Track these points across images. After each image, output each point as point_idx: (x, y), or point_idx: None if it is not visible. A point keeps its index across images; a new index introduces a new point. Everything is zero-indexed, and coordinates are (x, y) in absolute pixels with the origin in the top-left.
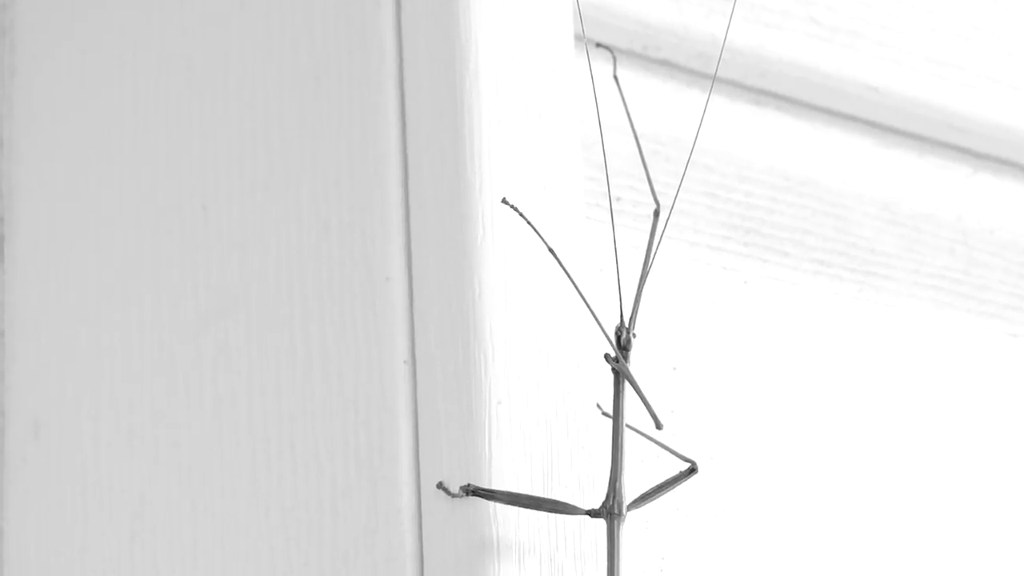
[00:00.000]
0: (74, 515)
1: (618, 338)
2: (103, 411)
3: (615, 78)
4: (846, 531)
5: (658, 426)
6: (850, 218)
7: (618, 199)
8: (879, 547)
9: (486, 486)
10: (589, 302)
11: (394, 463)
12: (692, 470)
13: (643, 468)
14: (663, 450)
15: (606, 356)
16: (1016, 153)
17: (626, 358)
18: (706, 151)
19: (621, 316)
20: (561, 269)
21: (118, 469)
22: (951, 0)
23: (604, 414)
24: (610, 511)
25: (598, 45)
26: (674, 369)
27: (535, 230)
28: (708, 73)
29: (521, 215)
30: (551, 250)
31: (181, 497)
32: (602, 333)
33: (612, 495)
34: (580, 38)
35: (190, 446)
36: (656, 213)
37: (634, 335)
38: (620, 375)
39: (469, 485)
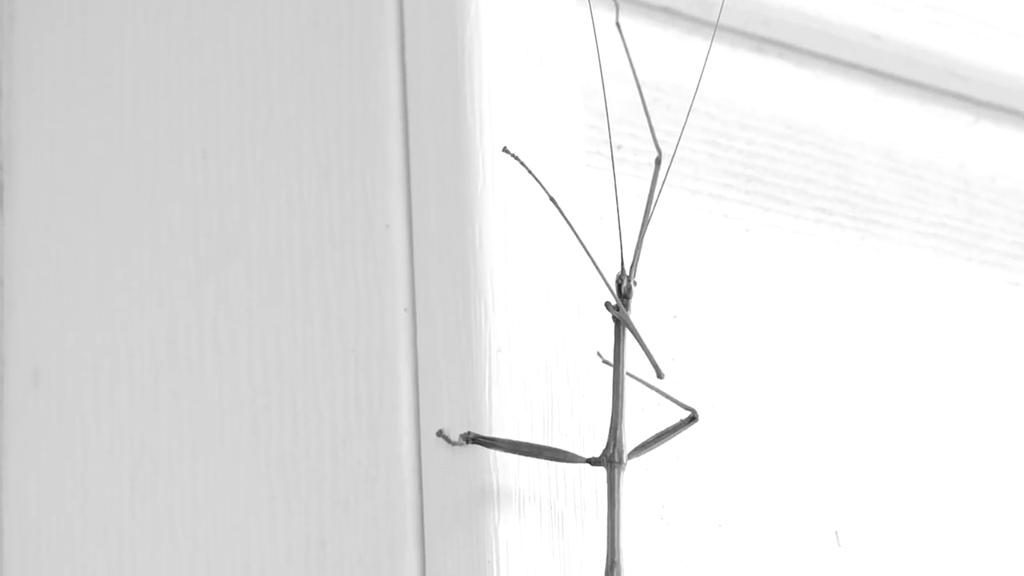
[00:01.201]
0: (74, 463)
1: (619, 286)
2: (103, 359)
3: (617, 25)
4: (846, 479)
5: (659, 375)
6: (852, 166)
7: (619, 147)
8: (879, 494)
9: (486, 434)
10: (590, 250)
11: (394, 411)
12: (693, 418)
13: (644, 416)
14: (664, 398)
15: (607, 304)
16: (1018, 101)
17: (627, 306)
18: (708, 99)
19: (622, 264)
20: (562, 217)
21: (118, 417)
22: None
23: (604, 362)
24: (610, 459)
25: None
26: (675, 317)
27: (536, 178)
28: (710, 21)
29: (522, 163)
30: (552, 198)
31: (181, 445)
32: (603, 281)
33: (612, 443)
34: None
35: (190, 394)
36: (657, 161)
37: (635, 283)
38: (621, 323)
39: (469, 433)
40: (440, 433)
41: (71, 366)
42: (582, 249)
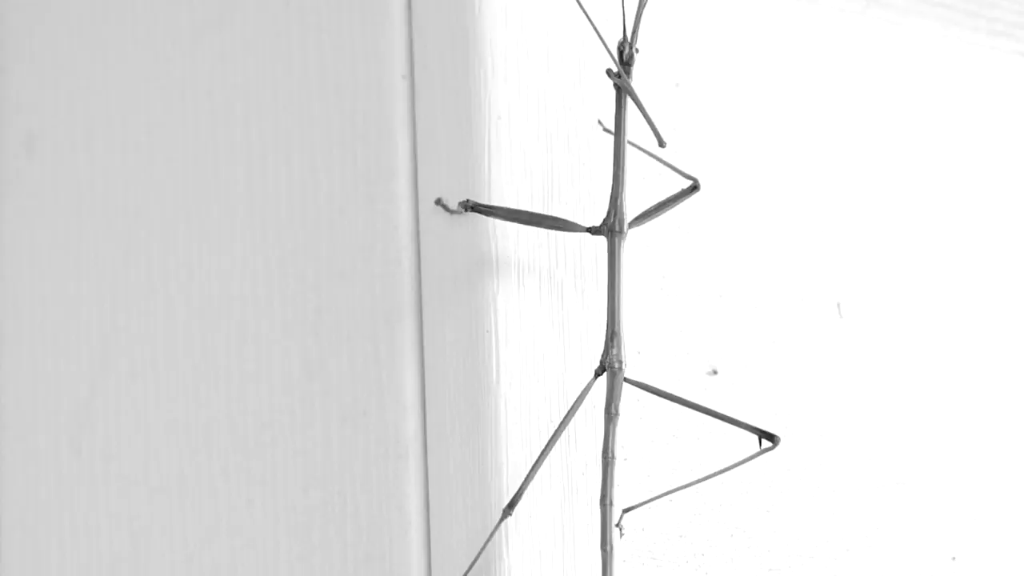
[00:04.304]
0: (69, 231)
1: (620, 53)
2: (97, 123)
3: None
4: (849, 250)
5: (660, 143)
6: None
7: None
8: (882, 265)
9: (485, 202)
10: (591, 16)
11: (392, 179)
12: (694, 187)
13: (644, 185)
14: (665, 167)
15: (608, 71)
16: None
17: (628, 73)
18: None
19: (624, 31)
20: None
21: (113, 183)
22: None
23: (606, 130)
24: (611, 228)
25: None
26: (677, 85)
27: None
28: None
29: None
30: None
31: (176, 212)
32: (604, 48)
33: (613, 212)
34: None
35: (185, 159)
36: None
37: (636, 50)
38: (622, 91)
39: (468, 201)
40: (438, 201)
41: (65, 131)
42: (583, 15)
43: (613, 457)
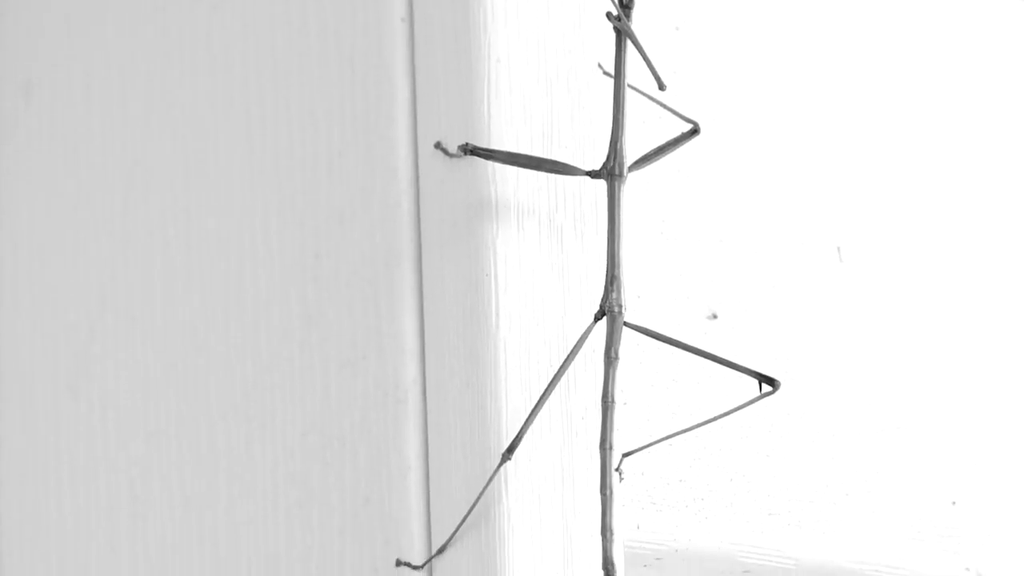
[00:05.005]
0: (66, 176)
1: None
2: (95, 68)
3: None
4: (849, 194)
5: (660, 86)
6: None
7: None
8: (882, 209)
9: (485, 146)
10: None
11: (391, 123)
12: (694, 131)
13: (644, 129)
14: (665, 111)
15: (608, 14)
16: None
17: (628, 16)
18: None
19: None
20: None
21: (111, 128)
22: None
23: (606, 74)
24: (611, 172)
25: None
26: (677, 29)
27: None
28: None
29: None
30: None
31: (174, 159)
32: None
33: (613, 156)
34: None
35: (183, 107)
36: None
37: None
38: (622, 34)
39: (467, 144)
40: (438, 145)
41: (63, 77)
42: None
43: (613, 401)
